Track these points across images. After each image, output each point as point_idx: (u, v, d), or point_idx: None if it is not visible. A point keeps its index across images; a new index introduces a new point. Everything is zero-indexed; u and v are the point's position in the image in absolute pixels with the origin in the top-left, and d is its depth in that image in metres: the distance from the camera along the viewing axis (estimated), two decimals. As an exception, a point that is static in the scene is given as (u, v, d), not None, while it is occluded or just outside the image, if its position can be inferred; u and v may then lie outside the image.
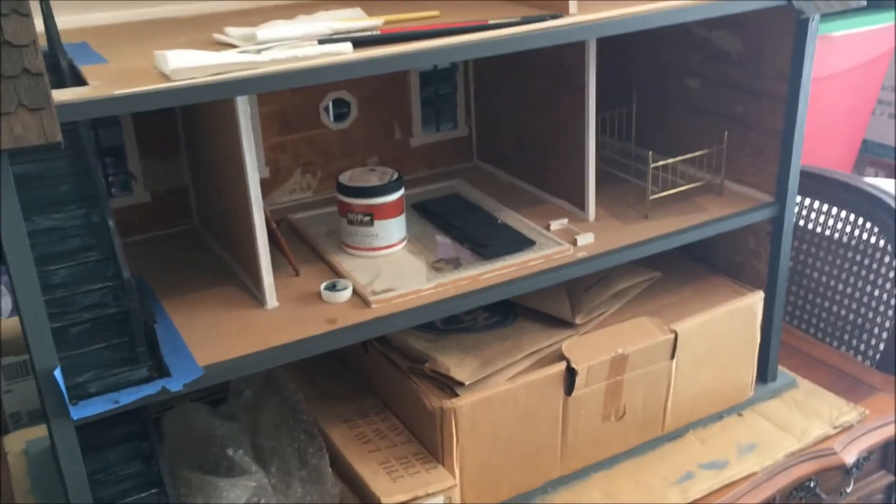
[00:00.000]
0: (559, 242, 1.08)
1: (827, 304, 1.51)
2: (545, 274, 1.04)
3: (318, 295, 0.99)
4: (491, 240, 1.08)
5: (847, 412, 1.25)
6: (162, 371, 0.85)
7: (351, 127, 1.28)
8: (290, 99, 1.21)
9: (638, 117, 1.35)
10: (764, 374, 1.29)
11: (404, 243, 1.10)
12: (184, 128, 1.14)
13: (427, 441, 1.03)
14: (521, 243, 1.08)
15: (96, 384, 0.82)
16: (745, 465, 1.15)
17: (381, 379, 1.13)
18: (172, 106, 0.83)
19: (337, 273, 1.04)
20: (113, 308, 0.83)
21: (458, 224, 1.13)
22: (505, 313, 1.17)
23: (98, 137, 1.11)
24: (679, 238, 1.13)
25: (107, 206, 0.83)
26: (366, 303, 0.97)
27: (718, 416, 1.24)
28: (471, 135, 1.38)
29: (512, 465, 1.06)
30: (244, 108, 0.88)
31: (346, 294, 0.98)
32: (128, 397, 0.82)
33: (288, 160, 1.24)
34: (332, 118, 1.25)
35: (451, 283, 1.00)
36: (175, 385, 0.83)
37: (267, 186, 1.22)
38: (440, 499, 0.97)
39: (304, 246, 1.12)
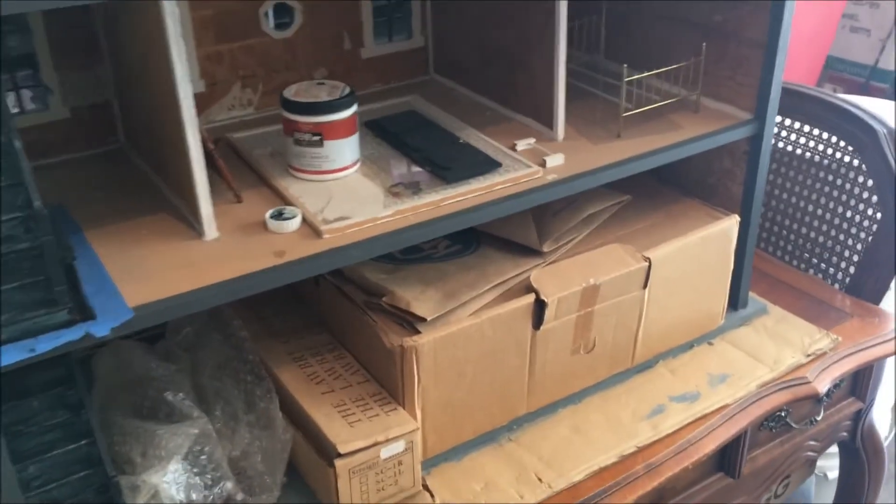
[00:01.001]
0: (527, 164, 0.99)
1: (797, 227, 1.46)
2: (513, 199, 0.95)
3: (264, 224, 0.89)
4: (453, 162, 0.99)
5: (819, 339, 1.20)
6: (86, 313, 0.75)
7: (296, 36, 1.15)
8: (226, 2, 1.08)
9: (607, 27, 1.25)
10: (735, 300, 1.23)
11: (357, 166, 1.00)
12: (105, 33, 1.01)
13: (386, 381, 0.96)
14: (486, 165, 0.99)
15: (9, 330, 0.72)
16: (717, 397, 1.11)
17: (335, 314, 1.04)
18: (86, 3, 0.71)
19: (284, 199, 0.94)
20: (24, 242, 0.71)
21: (416, 144, 1.03)
22: (467, 241, 1.09)
23: (3, 45, 0.97)
24: (654, 159, 1.05)
25: (11, 123, 0.71)
26: (316, 232, 0.87)
27: (688, 346, 1.19)
28: (427, 46, 1.27)
29: (476, 403, 1.00)
30: (171, 10, 0.76)
31: (295, 223, 0.88)
32: (46, 344, 0.72)
33: (225, 72, 1.12)
34: (272, 25, 1.13)
35: (410, 210, 0.91)
36: (101, 329, 0.73)
37: (202, 102, 1.09)
38: (401, 444, 0.90)
39: (245, 169, 1.01)
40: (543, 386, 1.05)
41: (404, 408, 0.93)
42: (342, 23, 1.18)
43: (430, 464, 1.00)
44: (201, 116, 1.11)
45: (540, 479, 0.98)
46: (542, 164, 1.00)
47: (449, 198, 0.93)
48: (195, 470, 0.89)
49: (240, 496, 0.90)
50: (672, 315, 1.13)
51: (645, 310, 1.09)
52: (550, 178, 0.98)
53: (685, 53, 1.14)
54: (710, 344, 1.20)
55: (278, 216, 0.89)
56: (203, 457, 0.90)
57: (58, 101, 1.02)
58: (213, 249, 0.86)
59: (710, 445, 1.05)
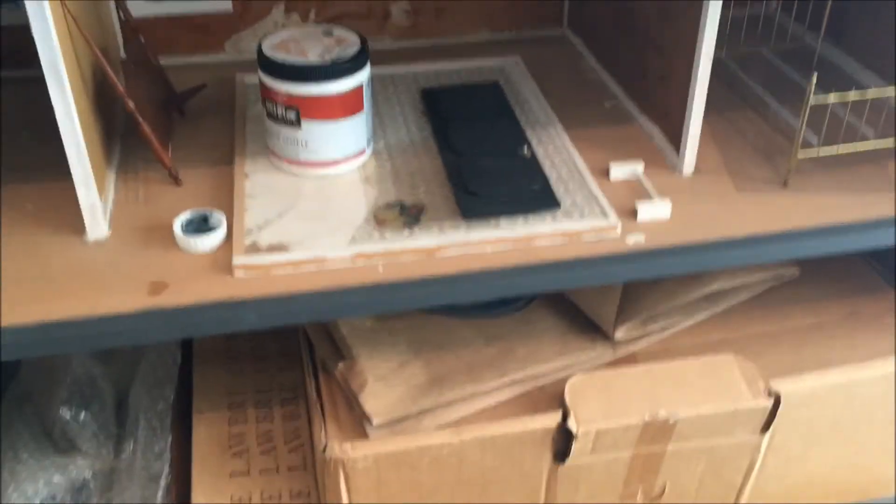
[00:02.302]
0: (603, 211, 0.63)
1: None
2: (555, 271, 0.59)
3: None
4: (490, 184, 0.64)
5: None
6: None
7: (363, -50, 0.83)
8: None
9: None
10: (935, 460, 0.80)
11: (361, 159, 0.68)
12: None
13: (319, 482, 0.67)
14: (537, 201, 0.63)
15: None
16: None
17: (300, 359, 0.75)
18: None
19: (232, 194, 0.65)
20: None
21: (459, 141, 0.70)
22: (522, 288, 0.75)
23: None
24: (838, 240, 0.64)
25: None
26: (228, 266, 0.58)
27: (834, 513, 0.78)
28: (564, -13, 0.90)
29: (453, 538, 0.68)
30: None
31: (210, 241, 0.60)
32: None
33: (259, -11, 0.83)
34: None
35: (380, 256, 0.59)
36: None
37: (228, 25, 0.82)
38: (297, 590, 0.62)
39: (224, 135, 0.73)
40: (569, 533, 0.71)
41: (329, 531, 0.64)
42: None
43: None
44: (228, 43, 0.84)
45: None
46: (632, 214, 0.63)
47: (450, 245, 0.60)
48: (42, 534, 0.67)
49: (90, 585, 0.67)
50: (809, 470, 0.73)
51: (760, 460, 0.70)
52: (632, 242, 0.61)
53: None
54: (875, 516, 0.79)
55: (194, 223, 0.61)
56: (58, 518, 0.67)
57: None
58: (83, 260, 0.59)
59: None
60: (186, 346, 0.78)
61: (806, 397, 0.66)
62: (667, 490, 0.69)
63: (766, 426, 0.67)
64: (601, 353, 0.69)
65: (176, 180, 0.67)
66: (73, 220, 0.62)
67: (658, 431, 0.64)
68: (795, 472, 0.72)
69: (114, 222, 0.62)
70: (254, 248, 0.59)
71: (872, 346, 0.70)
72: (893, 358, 0.68)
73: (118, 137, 0.71)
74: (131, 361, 0.80)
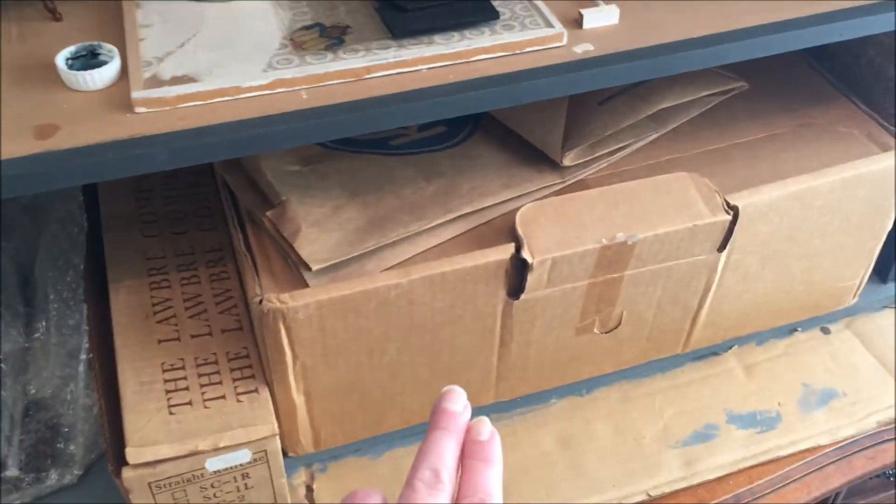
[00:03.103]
0: (547, 20, 0.56)
1: None
2: (499, 85, 0.53)
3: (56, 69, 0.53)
4: (420, -2, 0.57)
5: None
6: None
7: None
8: None
9: None
10: (886, 271, 0.79)
11: (270, -19, 0.60)
12: None
13: (258, 339, 0.61)
14: (475, 13, 0.56)
15: None
16: (807, 430, 0.70)
17: (222, 215, 0.69)
18: None
19: (121, 26, 0.56)
20: None
21: (379, -45, 0.62)
22: (458, 121, 0.69)
23: None
24: (796, 36, 0.59)
25: None
26: (126, 102, 0.51)
27: (788, 331, 0.78)
28: None
29: (406, 388, 0.64)
30: None
31: (103, 75, 0.51)
32: None
33: None
34: None
35: (301, 82, 0.52)
36: None
37: None
38: (244, 454, 0.57)
39: (105, -38, 0.63)
40: (524, 371, 0.68)
41: (272, 390, 0.59)
42: None
43: (329, 456, 0.68)
44: None
45: (479, 520, 0.64)
46: (577, 23, 0.57)
47: (382, 66, 0.53)
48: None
49: (12, 471, 0.61)
50: (766, 287, 0.71)
51: (717, 280, 0.67)
52: (580, 51, 0.56)
53: None
54: (825, 331, 0.78)
55: (80, 59, 0.53)
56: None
57: None
58: (-44, 105, 0.51)
59: (770, 513, 0.67)
60: (92, 212, 0.70)
61: (763, 210, 0.63)
62: (623, 318, 0.67)
63: (724, 244, 0.64)
64: (549, 181, 0.64)
65: (54, 14, 0.57)
66: (-66, 66, 0.53)
67: (615, 256, 0.61)
68: (751, 291, 0.70)
69: (-16, 65, 0.53)
70: (155, 81, 0.51)
71: (827, 155, 0.67)
72: (850, 164, 0.65)
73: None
74: (32, 236, 0.72)
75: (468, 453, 0.40)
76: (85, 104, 0.51)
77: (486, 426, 0.41)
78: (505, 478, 0.65)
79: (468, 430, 0.41)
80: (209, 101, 0.51)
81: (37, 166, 0.47)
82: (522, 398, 0.71)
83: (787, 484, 0.68)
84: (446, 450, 0.39)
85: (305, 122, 0.50)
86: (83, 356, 0.63)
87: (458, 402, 0.42)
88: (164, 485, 0.56)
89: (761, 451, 0.69)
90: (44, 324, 0.66)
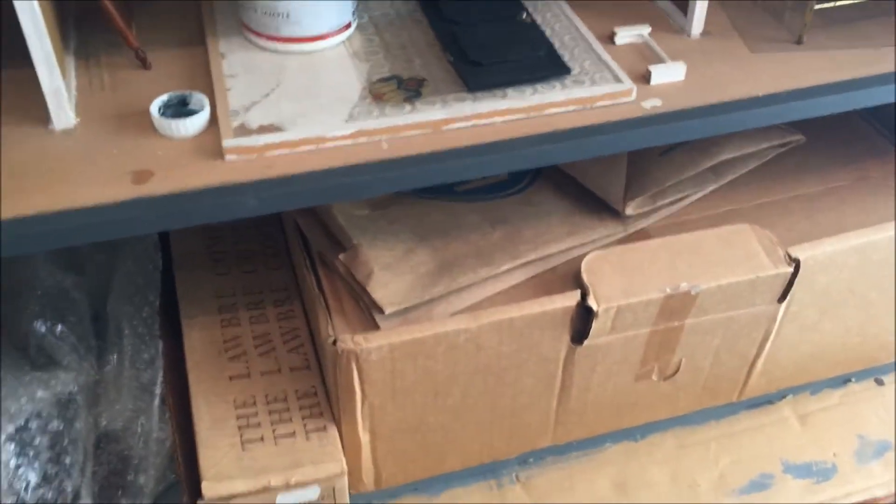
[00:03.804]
0: (616, 76, 0.58)
1: None
2: (571, 139, 0.55)
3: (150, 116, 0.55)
4: (493, 53, 0.59)
5: None
6: None
7: None
8: None
9: None
10: (937, 323, 0.79)
11: (347, 32, 0.62)
12: None
13: (328, 378, 0.63)
14: (546, 68, 0.59)
15: None
16: (864, 481, 0.71)
17: (293, 253, 0.71)
18: None
19: (209, 75, 0.59)
20: None
21: (449, 9, 0.64)
22: (521, 169, 0.71)
23: None
24: (857, 96, 0.61)
25: None
26: (217, 150, 0.53)
27: (842, 381, 0.78)
28: None
29: (467, 431, 0.66)
30: None
31: (194, 124, 0.54)
32: None
33: None
34: None
35: (383, 132, 0.54)
36: None
37: None
38: (314, 490, 0.59)
39: (190, 13, 0.66)
40: (583, 415, 0.69)
41: (339, 428, 0.61)
42: None
43: (389, 494, 0.69)
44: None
45: (537, 563, 0.65)
46: (645, 79, 0.59)
47: (458, 119, 0.55)
48: (30, 452, 0.62)
49: (86, 501, 0.63)
50: (822, 338, 0.72)
51: (776, 330, 0.68)
52: (649, 106, 0.58)
53: None
54: (879, 382, 0.78)
55: (172, 108, 0.55)
56: (44, 434, 0.63)
57: None
58: (53, 151, 0.53)
59: (827, 564, 0.67)
60: (164, 251, 0.73)
61: (824, 263, 0.64)
62: (682, 366, 0.68)
63: (784, 295, 0.65)
64: (612, 230, 0.66)
65: (144, 63, 0.60)
66: (34, 112, 0.55)
67: (678, 305, 0.62)
68: (808, 342, 0.71)
69: (80, 111, 0.56)
70: (243, 130, 0.53)
71: (885, 209, 0.68)
72: (910, 218, 0.66)
73: (71, 20, 0.64)
74: (105, 271, 0.74)
75: None
76: (177, 151, 0.53)
77: None
78: (564, 522, 0.66)
79: None
80: (295, 150, 0.53)
81: (136, 211, 0.49)
82: (578, 442, 0.72)
83: (844, 536, 0.68)
84: None
85: (387, 172, 0.52)
86: (157, 390, 0.65)
87: None
88: (235, 519, 0.58)
89: (818, 503, 0.69)
90: (115, 357, 0.68)
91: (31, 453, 0.61)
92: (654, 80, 0.59)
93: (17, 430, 0.61)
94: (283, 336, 0.67)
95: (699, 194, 0.70)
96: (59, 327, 0.68)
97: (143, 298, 0.68)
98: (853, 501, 0.69)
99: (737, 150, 0.70)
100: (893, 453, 0.72)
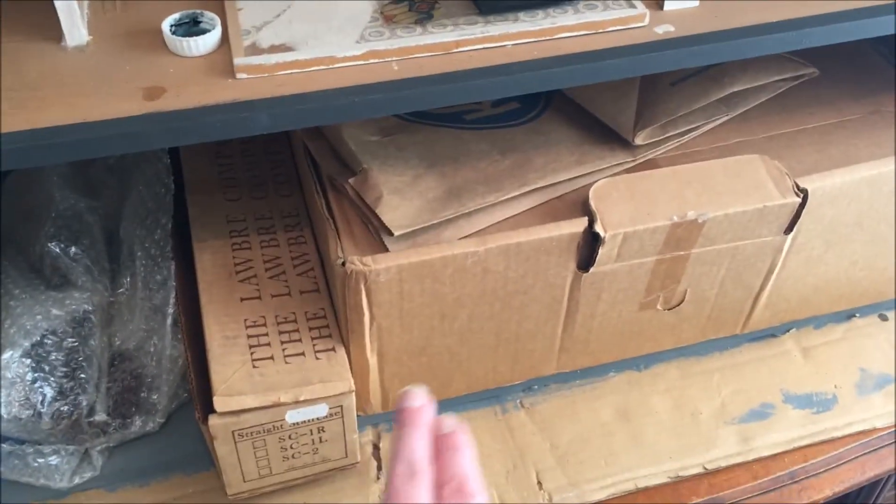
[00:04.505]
0: (629, 2, 0.58)
1: None
2: (582, 62, 0.55)
3: (161, 35, 0.55)
4: (505, -25, 0.59)
5: None
6: None
7: None
8: None
9: None
10: (944, 260, 0.79)
11: (359, -44, 0.62)
12: None
13: (337, 300, 0.64)
14: (557, -8, 0.58)
15: None
16: (864, 412, 0.72)
17: (302, 179, 0.71)
18: None
19: (218, -3, 0.59)
20: None
21: (464, -66, 0.63)
22: (531, 98, 0.71)
23: None
24: (870, 24, 0.60)
25: None
26: (228, 68, 0.53)
27: (846, 316, 0.79)
28: None
29: (473, 354, 0.67)
30: None
31: (205, 42, 0.54)
32: None
33: None
34: None
35: (395, 53, 0.54)
36: None
37: None
38: (321, 408, 0.60)
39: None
40: (587, 344, 0.70)
41: (348, 349, 0.62)
42: None
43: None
44: None
45: (540, 485, 0.67)
46: (658, 5, 0.59)
47: (470, 41, 0.55)
48: (45, 367, 0.63)
49: (100, 416, 0.64)
50: (828, 272, 0.72)
51: (781, 262, 0.69)
52: (662, 31, 0.57)
53: None
54: (883, 318, 0.79)
55: (183, 26, 0.55)
56: (60, 351, 0.64)
57: None
58: (68, 65, 0.53)
59: (825, 491, 0.69)
60: (177, 177, 0.73)
61: (833, 194, 0.64)
62: (687, 296, 0.68)
63: (791, 226, 0.65)
64: (621, 159, 0.66)
65: (154, -17, 0.60)
66: (45, 29, 0.55)
67: (685, 234, 0.62)
68: (813, 275, 0.71)
69: (92, 29, 0.56)
70: (255, 49, 0.54)
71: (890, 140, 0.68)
72: (921, 151, 0.66)
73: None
74: (118, 196, 0.75)
75: (438, 448, 0.42)
76: (188, 69, 0.53)
77: (449, 420, 0.43)
78: (564, 445, 0.68)
79: (434, 427, 0.43)
80: (306, 70, 0.53)
81: (147, 126, 0.50)
82: (582, 371, 0.73)
83: (842, 464, 0.69)
84: (417, 443, 0.41)
85: (397, 92, 0.53)
86: (169, 310, 0.66)
87: (418, 399, 0.43)
88: (246, 433, 0.59)
89: (817, 431, 0.70)
90: (128, 279, 0.69)
91: (47, 368, 0.63)
92: (668, 6, 0.59)
93: (33, 346, 0.63)
94: (293, 260, 0.67)
95: (710, 125, 0.69)
96: (74, 249, 0.69)
97: (156, 221, 0.69)
98: (853, 431, 0.70)
99: (749, 82, 0.69)
100: (894, 386, 0.73)
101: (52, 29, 0.54)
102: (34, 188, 0.75)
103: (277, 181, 0.74)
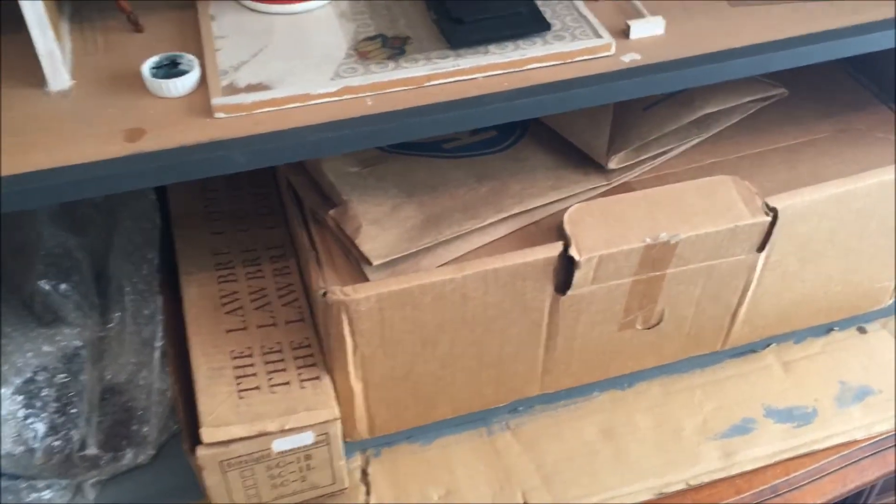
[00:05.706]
0: (595, 31, 0.60)
1: None
2: (552, 93, 0.57)
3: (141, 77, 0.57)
4: (474, 10, 0.60)
5: None
6: None
7: None
8: None
9: None
10: (920, 272, 0.81)
11: (334, -6, 0.64)
12: None
13: (321, 329, 0.65)
14: (526, 25, 0.60)
15: None
16: (844, 425, 0.73)
17: (287, 211, 0.73)
18: None
19: (199, 38, 0.61)
20: None
21: (435, -30, 0.65)
22: (509, 126, 0.73)
23: None
24: (834, 46, 0.62)
25: None
26: (206, 108, 0.55)
27: (825, 330, 0.80)
28: None
29: (456, 379, 0.68)
30: None
31: (185, 84, 0.56)
32: None
33: None
34: None
35: (367, 89, 0.56)
36: None
37: None
38: (308, 436, 0.61)
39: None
40: (569, 365, 0.71)
41: (333, 377, 0.63)
42: None
43: (383, 442, 0.72)
44: None
45: (526, 505, 0.68)
46: (624, 34, 0.60)
47: (442, 75, 0.57)
48: (37, 404, 0.65)
49: (92, 449, 0.65)
50: (804, 287, 0.74)
51: (756, 279, 0.70)
52: (628, 60, 0.59)
53: None
54: (862, 331, 0.80)
55: (163, 69, 0.57)
56: (51, 387, 0.65)
57: None
58: (49, 111, 0.55)
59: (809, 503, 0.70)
60: (163, 212, 0.75)
61: (802, 212, 0.66)
62: (665, 315, 0.70)
63: (763, 244, 0.67)
64: (595, 183, 0.68)
65: (136, 26, 0.62)
66: (29, 74, 0.57)
67: (658, 255, 0.64)
68: (790, 291, 0.73)
69: (75, 72, 0.58)
70: (232, 89, 0.55)
71: (866, 160, 0.70)
72: (889, 168, 0.67)
73: (65, -14, 0.66)
74: (106, 232, 0.76)
75: None
76: (168, 110, 0.55)
77: None
78: (549, 465, 0.69)
79: None
80: (282, 108, 0.55)
81: (129, 167, 0.51)
82: (566, 391, 0.74)
83: (824, 476, 0.70)
84: None
85: (371, 127, 0.54)
86: (157, 344, 0.67)
87: None
88: (234, 463, 0.60)
89: (798, 445, 0.71)
90: (118, 314, 0.70)
91: (39, 405, 0.64)
92: (634, 35, 0.60)
93: (25, 383, 0.64)
94: (278, 291, 0.69)
95: (682, 148, 0.71)
96: (63, 286, 0.70)
97: (143, 257, 0.70)
98: (833, 443, 0.71)
99: (719, 104, 0.71)
100: (874, 397, 0.74)
101: (35, 74, 0.56)
102: (24, 226, 0.76)
103: (262, 213, 0.75)
